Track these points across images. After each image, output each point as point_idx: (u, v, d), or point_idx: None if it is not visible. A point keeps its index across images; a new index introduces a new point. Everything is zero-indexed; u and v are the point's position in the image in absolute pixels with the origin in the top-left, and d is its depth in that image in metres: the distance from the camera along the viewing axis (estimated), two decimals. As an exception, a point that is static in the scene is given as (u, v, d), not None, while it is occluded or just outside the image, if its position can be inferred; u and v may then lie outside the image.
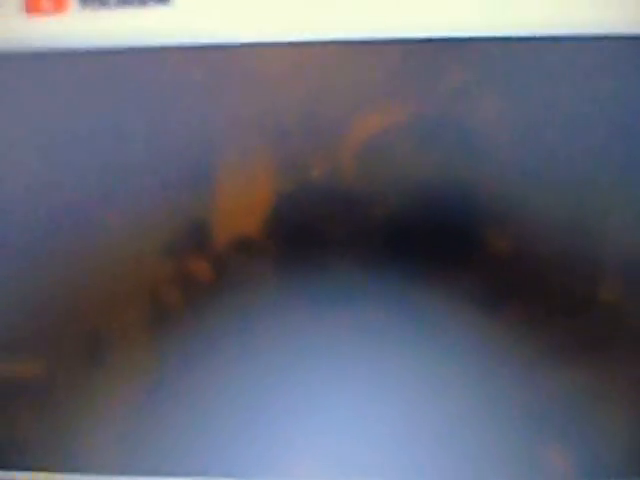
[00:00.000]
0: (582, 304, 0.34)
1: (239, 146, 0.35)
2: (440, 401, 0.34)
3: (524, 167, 0.34)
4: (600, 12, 0.32)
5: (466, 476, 0.34)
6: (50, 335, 0.36)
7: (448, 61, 0.34)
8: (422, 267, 0.34)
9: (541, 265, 0.34)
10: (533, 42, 0.32)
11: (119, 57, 0.34)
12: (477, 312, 0.34)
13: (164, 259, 0.36)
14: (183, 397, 0.35)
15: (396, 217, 0.35)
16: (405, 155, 0.35)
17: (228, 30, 0.34)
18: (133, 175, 0.35)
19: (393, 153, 0.35)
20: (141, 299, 0.36)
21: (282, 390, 0.35)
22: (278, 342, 0.35)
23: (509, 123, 0.34)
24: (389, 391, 0.34)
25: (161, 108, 0.35)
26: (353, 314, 0.35)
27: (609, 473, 0.34)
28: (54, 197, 0.36)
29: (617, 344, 0.34)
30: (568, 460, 0.34)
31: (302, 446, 0.35)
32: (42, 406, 0.36)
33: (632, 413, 0.34)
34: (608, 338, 0.34)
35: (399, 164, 0.35)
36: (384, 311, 0.34)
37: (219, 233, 0.36)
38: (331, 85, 0.35)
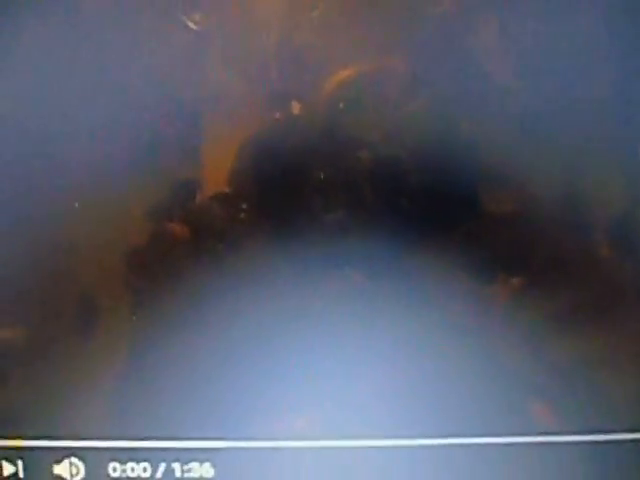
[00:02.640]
0: (584, 265, 0.35)
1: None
2: (433, 358, 0.35)
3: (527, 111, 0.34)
4: None
5: (462, 429, 0.35)
6: (33, 300, 0.36)
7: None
8: (412, 217, 0.35)
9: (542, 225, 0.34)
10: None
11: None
12: (474, 272, 0.34)
13: (148, 218, 0.36)
14: (173, 360, 0.36)
15: (386, 165, 0.35)
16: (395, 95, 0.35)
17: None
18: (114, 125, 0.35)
19: (382, 92, 0.35)
20: (126, 261, 0.36)
21: (273, 350, 0.35)
22: (267, 299, 0.35)
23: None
24: (383, 348, 0.35)
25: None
26: (343, 267, 0.35)
27: (596, 427, 0.35)
28: (34, 154, 0.36)
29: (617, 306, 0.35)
30: (554, 414, 0.35)
31: (295, 407, 0.36)
32: (26, 373, 0.37)
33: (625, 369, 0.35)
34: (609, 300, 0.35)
35: (389, 105, 0.35)
36: (375, 263, 0.35)
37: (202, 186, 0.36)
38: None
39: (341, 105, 0.35)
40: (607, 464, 0.35)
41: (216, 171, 0.36)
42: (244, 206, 0.35)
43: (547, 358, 0.35)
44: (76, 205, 0.35)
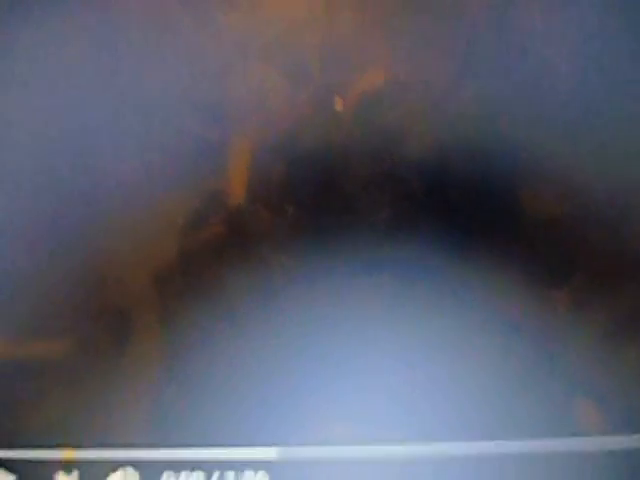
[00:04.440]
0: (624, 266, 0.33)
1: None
2: (468, 360, 0.34)
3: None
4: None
5: (496, 433, 0.34)
6: (75, 315, 0.37)
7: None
8: (444, 223, 0.34)
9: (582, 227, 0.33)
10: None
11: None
12: (503, 273, 0.33)
13: (186, 232, 0.36)
14: (207, 370, 0.36)
15: (432, 162, 0.34)
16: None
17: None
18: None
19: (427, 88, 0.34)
20: (164, 274, 0.36)
21: (304, 357, 0.35)
22: (300, 308, 0.35)
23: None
24: (413, 352, 0.35)
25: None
26: (373, 277, 0.34)
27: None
28: (71, 171, 0.36)
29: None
30: (601, 414, 0.33)
31: (325, 413, 0.35)
32: (68, 385, 0.37)
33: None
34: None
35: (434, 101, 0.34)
36: (407, 273, 0.34)
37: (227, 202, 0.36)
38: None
39: (386, 102, 0.34)
40: None
41: (260, 175, 0.35)
42: (290, 209, 0.35)
43: (600, 361, 0.33)
44: (110, 222, 0.36)
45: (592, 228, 0.33)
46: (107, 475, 0.36)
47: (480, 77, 0.33)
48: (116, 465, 0.36)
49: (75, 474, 0.36)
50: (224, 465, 0.36)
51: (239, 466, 0.36)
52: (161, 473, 0.36)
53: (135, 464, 0.36)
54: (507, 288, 0.33)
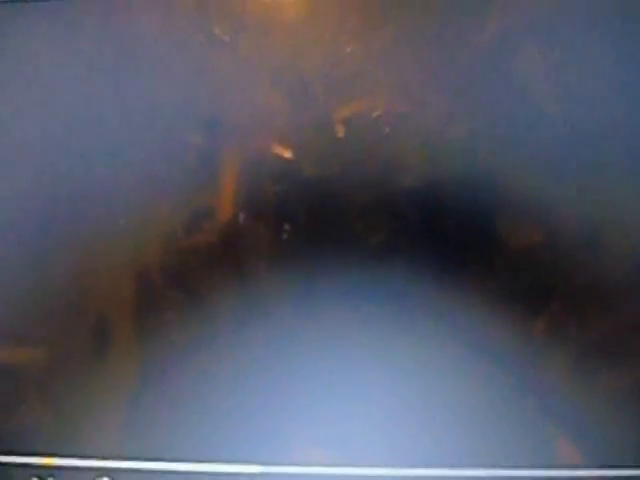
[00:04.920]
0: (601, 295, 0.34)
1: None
2: (450, 390, 0.35)
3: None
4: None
5: (475, 461, 0.35)
6: (53, 323, 0.36)
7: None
8: (428, 247, 0.34)
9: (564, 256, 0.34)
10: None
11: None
12: (486, 301, 0.34)
13: (166, 243, 0.36)
14: (186, 384, 0.36)
15: (427, 190, 0.35)
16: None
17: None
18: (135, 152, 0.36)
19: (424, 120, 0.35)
20: (143, 284, 0.36)
21: (284, 376, 0.35)
22: (285, 327, 0.35)
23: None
24: (395, 377, 0.35)
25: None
26: (359, 301, 0.35)
27: (618, 461, 0.34)
28: (55, 186, 0.36)
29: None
30: (577, 448, 0.34)
31: (302, 432, 0.36)
32: (45, 392, 0.37)
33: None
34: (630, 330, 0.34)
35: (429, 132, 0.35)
36: (392, 298, 0.35)
37: (219, 217, 0.36)
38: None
39: (386, 130, 0.35)
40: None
41: (255, 191, 0.36)
42: (286, 226, 0.35)
43: (574, 391, 0.35)
44: (92, 230, 0.35)
45: (569, 258, 0.34)
46: (83, 484, 0.36)
47: (474, 113, 0.35)
48: (93, 475, 0.36)
49: (50, 482, 0.36)
50: (203, 478, 0.36)
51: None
52: (138, 485, 0.36)
53: (112, 474, 0.36)
54: (488, 316, 0.34)
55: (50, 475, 0.36)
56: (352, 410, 0.35)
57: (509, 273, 0.35)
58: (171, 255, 0.36)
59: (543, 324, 0.35)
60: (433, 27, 0.35)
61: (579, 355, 0.35)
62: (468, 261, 0.35)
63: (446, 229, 0.35)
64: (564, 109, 0.34)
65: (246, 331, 0.35)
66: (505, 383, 0.34)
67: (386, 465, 0.35)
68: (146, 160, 0.35)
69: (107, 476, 0.36)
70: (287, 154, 0.35)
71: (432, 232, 0.35)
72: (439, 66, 0.35)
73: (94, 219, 0.36)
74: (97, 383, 0.36)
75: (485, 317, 0.34)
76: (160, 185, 0.35)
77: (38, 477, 0.36)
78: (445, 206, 0.35)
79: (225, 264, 0.36)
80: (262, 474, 0.35)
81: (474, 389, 0.34)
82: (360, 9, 0.35)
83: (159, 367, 0.36)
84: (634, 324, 0.35)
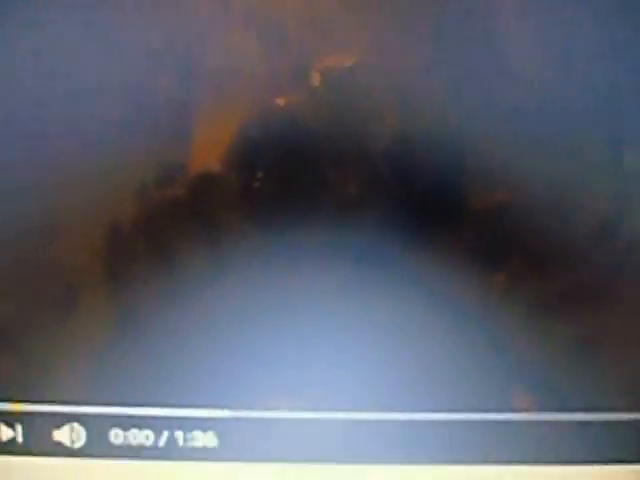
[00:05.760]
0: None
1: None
2: (412, 337, 0.36)
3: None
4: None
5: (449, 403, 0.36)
6: (19, 276, 0.36)
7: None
8: (404, 207, 0.35)
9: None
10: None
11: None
12: (451, 253, 0.35)
13: (135, 195, 0.35)
14: (157, 330, 0.36)
15: (400, 143, 0.35)
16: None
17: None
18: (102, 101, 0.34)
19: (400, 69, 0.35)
20: (112, 236, 0.36)
21: (256, 321, 0.36)
22: (259, 279, 0.35)
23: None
24: (375, 328, 0.36)
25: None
26: (332, 253, 0.35)
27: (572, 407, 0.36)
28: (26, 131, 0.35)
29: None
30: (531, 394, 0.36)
31: (273, 377, 0.36)
32: (15, 342, 0.36)
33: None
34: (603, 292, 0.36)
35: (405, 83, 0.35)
36: (364, 253, 0.35)
37: (190, 166, 0.35)
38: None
39: (362, 79, 0.34)
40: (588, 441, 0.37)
41: (228, 140, 0.35)
42: (259, 175, 0.35)
43: (532, 343, 0.36)
44: (58, 182, 0.34)
45: (531, 216, 0.35)
46: (52, 430, 0.36)
47: (449, 66, 0.34)
48: (62, 420, 0.36)
49: (19, 428, 0.36)
50: (173, 424, 0.36)
51: (188, 426, 0.36)
52: (109, 430, 0.36)
53: (82, 420, 0.36)
54: (453, 272, 0.35)
55: (18, 421, 0.36)
56: (319, 355, 0.36)
57: (474, 229, 0.36)
58: (142, 205, 0.35)
59: (503, 277, 0.36)
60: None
61: (536, 307, 0.36)
62: (437, 216, 0.35)
63: (416, 183, 0.35)
64: (542, 72, 0.34)
65: (218, 278, 0.35)
66: (465, 332, 0.36)
67: (350, 409, 0.36)
68: (114, 106, 0.34)
69: (77, 421, 0.36)
70: (261, 101, 0.34)
71: (403, 184, 0.35)
72: (414, 18, 0.34)
73: (60, 167, 0.34)
74: (66, 331, 0.36)
75: (449, 269, 0.35)
76: (129, 133, 0.34)
77: (5, 423, 0.36)
78: (416, 159, 0.35)
79: (197, 215, 0.35)
80: (232, 418, 0.36)
81: (436, 336, 0.36)
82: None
83: (129, 314, 0.36)
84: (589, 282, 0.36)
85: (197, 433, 0.36)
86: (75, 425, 0.36)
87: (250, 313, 0.36)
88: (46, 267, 0.36)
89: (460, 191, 0.35)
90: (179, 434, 0.36)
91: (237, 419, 0.36)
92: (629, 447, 0.36)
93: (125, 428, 0.36)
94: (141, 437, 0.36)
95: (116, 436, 0.36)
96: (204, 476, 0.37)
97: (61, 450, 0.36)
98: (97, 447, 0.36)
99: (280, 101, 0.34)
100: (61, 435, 0.36)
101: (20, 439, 0.36)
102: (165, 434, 0.36)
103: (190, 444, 0.36)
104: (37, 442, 0.36)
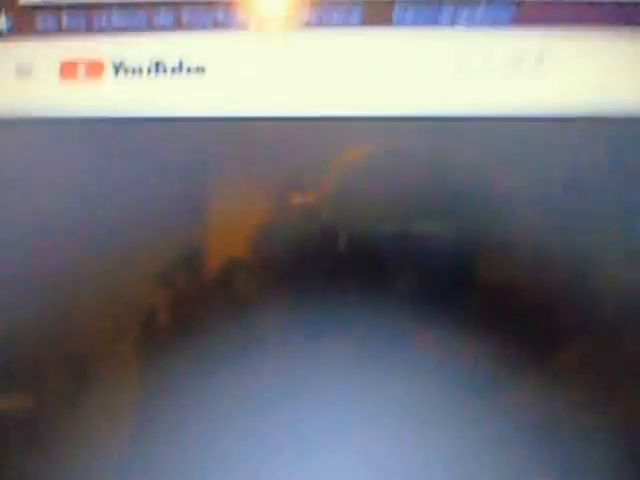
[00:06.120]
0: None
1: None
2: (428, 428, 0.35)
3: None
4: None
5: None
6: (36, 368, 0.36)
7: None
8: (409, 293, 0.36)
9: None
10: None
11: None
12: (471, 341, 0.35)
13: (153, 288, 0.36)
14: (174, 430, 0.35)
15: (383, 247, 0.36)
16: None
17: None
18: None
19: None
20: (130, 329, 0.36)
21: (278, 420, 0.35)
22: (273, 367, 0.36)
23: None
24: (376, 416, 0.35)
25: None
26: (345, 342, 0.36)
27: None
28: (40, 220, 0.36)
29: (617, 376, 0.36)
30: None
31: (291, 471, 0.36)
32: (30, 440, 0.36)
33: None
34: (608, 371, 0.36)
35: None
36: (374, 339, 0.36)
37: (211, 261, 0.37)
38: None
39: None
40: None
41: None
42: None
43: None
44: (79, 272, 0.35)
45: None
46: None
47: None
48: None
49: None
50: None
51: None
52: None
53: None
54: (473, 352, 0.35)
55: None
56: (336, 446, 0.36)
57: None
58: (158, 296, 0.36)
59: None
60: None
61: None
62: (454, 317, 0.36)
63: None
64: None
65: (236, 374, 0.36)
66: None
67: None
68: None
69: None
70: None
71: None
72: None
73: (78, 256, 0.36)
74: (81, 430, 0.36)
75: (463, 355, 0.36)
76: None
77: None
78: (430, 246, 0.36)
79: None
80: None
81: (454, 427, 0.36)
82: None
83: (146, 413, 0.36)
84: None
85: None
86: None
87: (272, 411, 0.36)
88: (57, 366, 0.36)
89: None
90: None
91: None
92: None
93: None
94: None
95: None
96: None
97: None
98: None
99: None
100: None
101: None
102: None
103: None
104: None
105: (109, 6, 0.35)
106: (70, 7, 0.35)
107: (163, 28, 0.35)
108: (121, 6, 0.35)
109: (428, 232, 0.36)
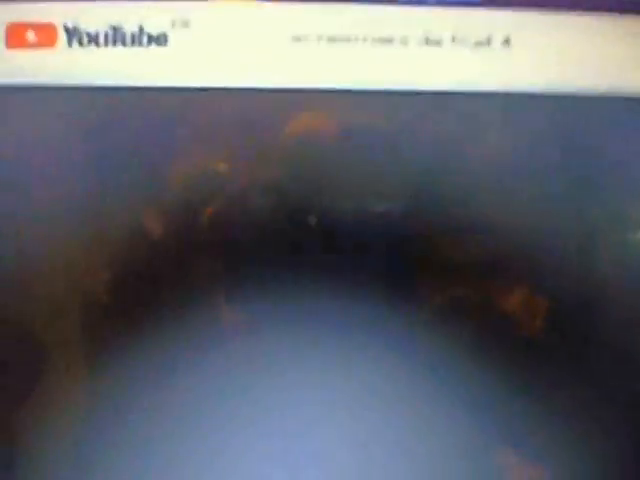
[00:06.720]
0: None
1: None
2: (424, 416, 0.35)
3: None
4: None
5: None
6: None
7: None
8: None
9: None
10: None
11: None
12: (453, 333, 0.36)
13: (105, 268, 0.36)
14: (132, 418, 0.35)
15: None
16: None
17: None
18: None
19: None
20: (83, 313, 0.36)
21: (248, 407, 0.35)
22: (246, 355, 0.35)
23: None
24: (354, 405, 0.35)
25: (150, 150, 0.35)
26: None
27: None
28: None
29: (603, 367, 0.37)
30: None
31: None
32: None
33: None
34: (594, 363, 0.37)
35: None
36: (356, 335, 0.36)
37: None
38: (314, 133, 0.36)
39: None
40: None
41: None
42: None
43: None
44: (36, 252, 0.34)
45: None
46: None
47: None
48: None
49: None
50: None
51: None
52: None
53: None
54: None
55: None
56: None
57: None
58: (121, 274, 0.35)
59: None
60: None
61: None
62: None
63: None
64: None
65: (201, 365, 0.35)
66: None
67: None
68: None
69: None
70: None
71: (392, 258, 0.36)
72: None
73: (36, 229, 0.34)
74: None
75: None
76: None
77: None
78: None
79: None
80: None
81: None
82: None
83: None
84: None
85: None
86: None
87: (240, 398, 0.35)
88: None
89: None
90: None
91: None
92: None
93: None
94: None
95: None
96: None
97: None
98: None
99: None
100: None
101: None
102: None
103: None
104: None
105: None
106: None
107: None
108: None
109: (385, 210, 0.36)
